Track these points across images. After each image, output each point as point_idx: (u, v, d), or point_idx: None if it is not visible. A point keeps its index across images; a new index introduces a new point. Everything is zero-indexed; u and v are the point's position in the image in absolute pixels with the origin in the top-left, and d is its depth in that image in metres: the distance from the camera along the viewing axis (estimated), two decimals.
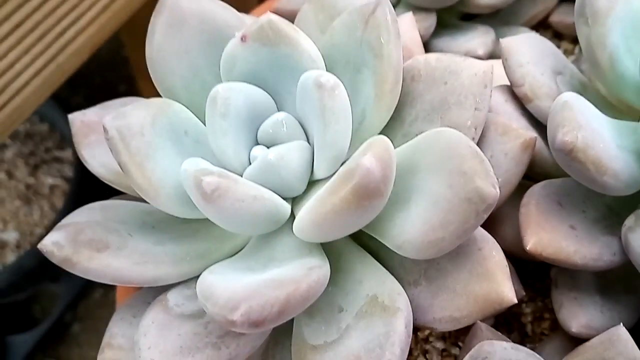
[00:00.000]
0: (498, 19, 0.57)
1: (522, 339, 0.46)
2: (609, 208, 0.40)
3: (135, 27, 0.68)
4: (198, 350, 0.34)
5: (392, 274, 0.37)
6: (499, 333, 0.39)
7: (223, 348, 0.35)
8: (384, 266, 0.38)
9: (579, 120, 0.34)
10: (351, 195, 0.31)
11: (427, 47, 0.54)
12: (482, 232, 0.36)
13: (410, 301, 0.36)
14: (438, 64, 0.39)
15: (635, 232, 0.36)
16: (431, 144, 0.35)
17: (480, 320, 0.45)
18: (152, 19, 0.39)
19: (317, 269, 0.33)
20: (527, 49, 0.41)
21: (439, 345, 0.46)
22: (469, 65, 0.38)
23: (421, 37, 0.52)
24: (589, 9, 0.38)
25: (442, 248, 0.34)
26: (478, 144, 0.39)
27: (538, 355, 0.32)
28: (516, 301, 0.34)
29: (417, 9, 0.53)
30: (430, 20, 0.52)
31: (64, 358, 1.01)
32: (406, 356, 0.34)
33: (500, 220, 0.42)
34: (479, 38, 0.52)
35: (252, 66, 0.38)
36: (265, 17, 0.37)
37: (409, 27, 0.46)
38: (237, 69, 0.38)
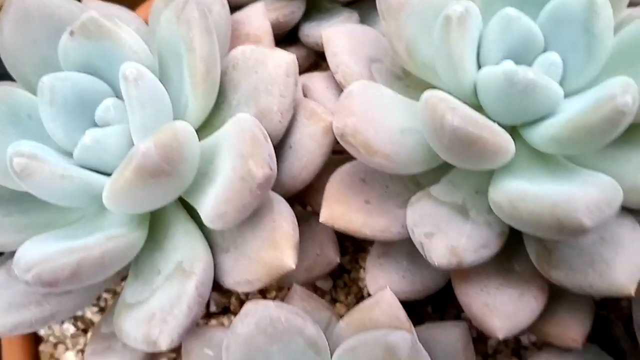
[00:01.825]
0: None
1: (358, 301, 0.51)
2: (415, 183, 0.44)
3: None
4: (24, 307, 0.40)
5: (211, 241, 0.42)
6: (314, 295, 0.43)
7: (45, 304, 0.40)
8: (206, 235, 0.42)
9: (354, 108, 0.38)
10: (132, 175, 0.36)
11: (298, 32, 0.58)
12: (279, 206, 0.41)
13: (220, 266, 0.42)
14: (251, 54, 0.43)
15: (414, 206, 0.40)
16: (231, 129, 0.40)
17: (317, 281, 0.50)
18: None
19: (117, 238, 0.38)
20: (345, 39, 0.45)
21: None
22: (275, 56, 0.42)
23: (284, 23, 0.56)
24: (383, 5, 0.41)
25: (228, 220, 0.38)
26: (289, 127, 0.43)
27: (300, 311, 0.37)
28: (294, 267, 0.39)
29: None
30: (294, 7, 0.56)
31: None
32: (197, 314, 0.39)
33: (320, 194, 0.46)
34: (340, 23, 0.55)
35: (84, 57, 0.42)
36: (88, 14, 0.41)
37: (258, 16, 0.50)
38: (70, 60, 0.42)
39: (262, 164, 0.37)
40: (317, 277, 0.46)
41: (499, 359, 0.48)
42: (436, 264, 0.37)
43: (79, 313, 0.52)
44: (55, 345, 0.52)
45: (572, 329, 0.42)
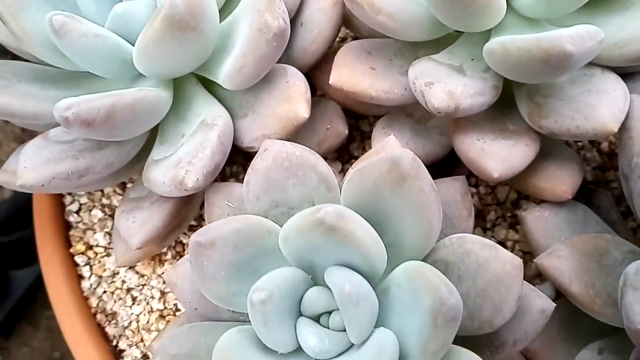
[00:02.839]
0: None
1: None
2: (417, 58, 0.48)
3: None
4: (60, 161, 0.44)
5: (230, 110, 0.46)
6: None
7: (80, 159, 0.44)
8: (223, 104, 0.46)
9: None
10: (161, 25, 0.40)
11: None
12: (292, 69, 0.45)
13: (239, 130, 0.46)
14: None
15: (415, 66, 0.44)
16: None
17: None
18: None
19: (147, 91, 0.42)
20: None
21: None
22: None
23: None
24: None
25: (246, 74, 0.42)
26: (301, 5, 0.47)
27: (313, 151, 0.40)
28: (306, 116, 0.43)
29: None
30: None
31: None
32: (220, 161, 0.43)
33: (328, 76, 0.50)
34: None
35: None
36: None
37: None
38: None
39: (277, 17, 0.41)
40: (327, 151, 0.50)
41: (497, 231, 0.52)
42: (435, 106, 0.41)
43: (106, 202, 0.56)
44: (84, 231, 0.56)
45: (562, 182, 0.45)
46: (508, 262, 0.36)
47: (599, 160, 0.55)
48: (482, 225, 0.52)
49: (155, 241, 0.47)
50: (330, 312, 0.38)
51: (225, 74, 0.43)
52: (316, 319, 0.38)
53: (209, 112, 0.45)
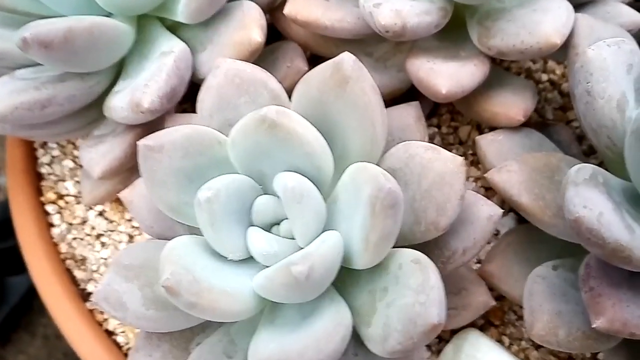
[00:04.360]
0: None
1: None
2: None
3: None
4: (23, 91, 0.45)
5: (191, 47, 0.47)
6: None
7: (42, 89, 0.45)
8: (184, 40, 0.47)
9: None
10: None
11: None
12: (248, 2, 0.46)
13: (199, 62, 0.47)
14: None
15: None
16: None
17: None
18: None
19: (106, 19, 0.44)
20: None
21: None
22: None
23: None
24: None
25: (202, 4, 0.44)
26: None
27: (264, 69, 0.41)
28: (260, 40, 0.44)
29: None
30: None
31: None
32: (176, 86, 0.44)
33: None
34: None
35: None
36: None
37: None
38: None
39: None
40: (289, 88, 0.50)
41: None
42: (382, 24, 0.42)
43: (77, 153, 0.57)
44: (55, 182, 0.57)
45: (515, 106, 0.46)
46: (450, 160, 0.37)
47: (560, 101, 0.55)
48: None
49: (119, 174, 0.48)
50: (280, 223, 0.39)
51: (181, 7, 0.45)
52: (267, 228, 0.39)
53: (168, 44, 0.46)
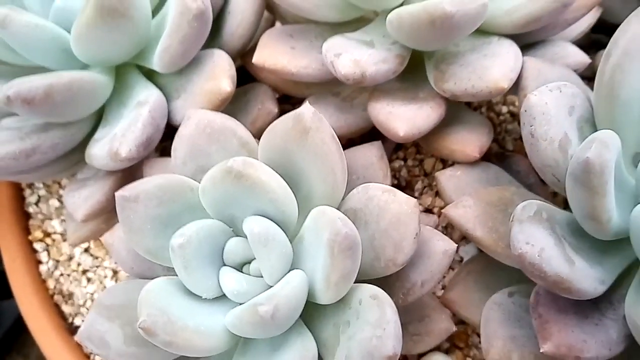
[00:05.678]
0: None
1: None
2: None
3: None
4: (8, 142, 0.48)
5: (167, 95, 0.50)
6: None
7: (27, 139, 0.48)
8: (162, 90, 0.50)
9: None
10: (92, 11, 0.44)
11: None
12: (219, 51, 0.50)
13: (174, 110, 0.50)
14: None
15: (328, 41, 0.48)
16: None
17: None
18: None
19: (84, 73, 0.47)
20: None
21: None
22: None
23: None
24: None
25: (173, 54, 0.47)
26: None
27: (232, 118, 0.44)
28: (229, 90, 0.47)
29: None
30: None
31: None
32: (151, 135, 0.47)
33: None
34: None
35: None
36: None
37: None
38: None
39: (198, 2, 0.45)
40: (260, 130, 0.54)
41: (424, 198, 0.56)
42: (343, 73, 0.45)
43: (62, 192, 0.60)
44: (42, 221, 0.60)
45: (471, 143, 0.49)
46: (404, 202, 0.40)
47: (519, 132, 0.58)
48: (410, 194, 0.56)
49: (100, 216, 0.50)
50: (251, 262, 0.42)
51: (156, 57, 0.48)
52: (239, 268, 0.42)
53: (144, 94, 0.49)
